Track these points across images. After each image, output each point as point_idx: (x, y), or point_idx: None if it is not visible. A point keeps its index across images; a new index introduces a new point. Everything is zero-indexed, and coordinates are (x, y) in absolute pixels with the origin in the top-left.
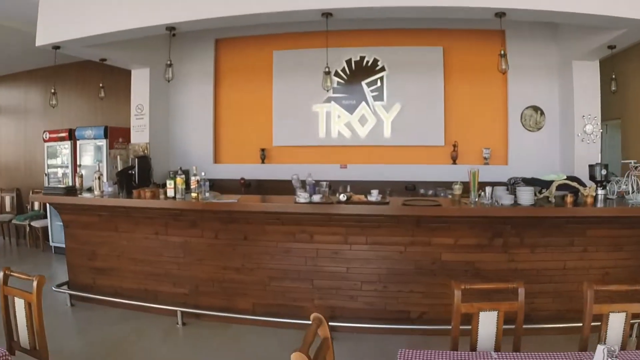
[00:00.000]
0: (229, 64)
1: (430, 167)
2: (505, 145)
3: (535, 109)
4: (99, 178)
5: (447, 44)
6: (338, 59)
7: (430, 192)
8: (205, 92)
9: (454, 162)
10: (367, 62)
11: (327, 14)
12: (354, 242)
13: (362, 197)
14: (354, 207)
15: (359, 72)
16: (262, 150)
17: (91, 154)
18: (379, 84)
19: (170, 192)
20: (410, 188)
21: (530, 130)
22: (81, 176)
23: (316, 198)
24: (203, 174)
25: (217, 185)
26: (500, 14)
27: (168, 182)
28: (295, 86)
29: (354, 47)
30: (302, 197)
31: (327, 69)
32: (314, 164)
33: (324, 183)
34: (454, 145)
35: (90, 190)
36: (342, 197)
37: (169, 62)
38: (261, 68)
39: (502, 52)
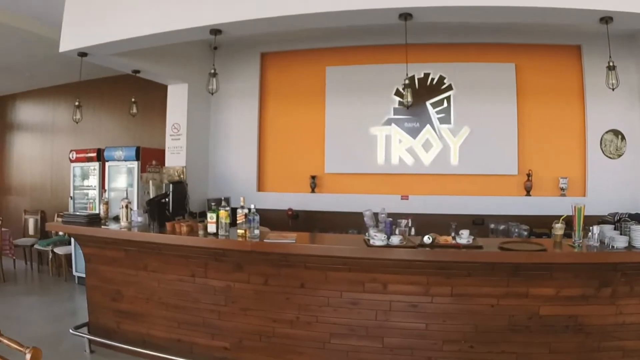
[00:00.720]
0: (276, 81)
1: (501, 199)
2: (583, 175)
3: (616, 133)
4: (127, 207)
5: (519, 61)
6: (399, 76)
7: (501, 227)
8: (250, 111)
9: (528, 194)
10: (432, 79)
11: (405, 15)
12: (437, 293)
13: (448, 239)
14: (441, 253)
15: (423, 91)
16: (313, 177)
17: (121, 177)
18: (445, 104)
19: (211, 227)
20: (478, 222)
21: (610, 158)
22: (106, 203)
23: (395, 240)
24: (253, 206)
25: (260, 217)
26: (607, 19)
27: (209, 215)
28: (351, 106)
29: (417, 63)
30: (377, 239)
31: (406, 81)
32: (371, 194)
33: (403, 221)
34: (528, 175)
35: (117, 219)
36: (427, 240)
37: (212, 71)
38: (312, 86)
39: (611, 63)
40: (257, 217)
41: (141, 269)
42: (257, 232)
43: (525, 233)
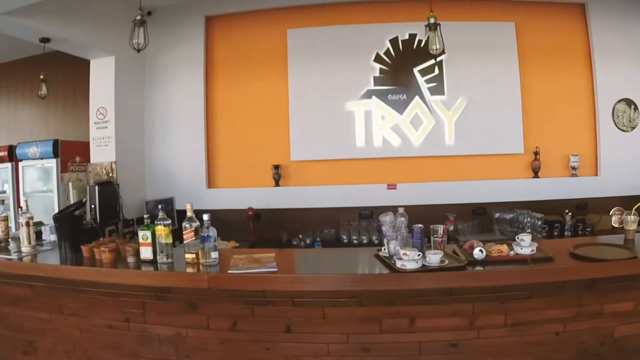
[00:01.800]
0: (226, 51)
1: (505, 183)
2: (594, 151)
3: (629, 103)
4: (28, 224)
5: (520, 20)
6: (380, 39)
7: (508, 216)
8: (194, 90)
9: (536, 175)
10: (420, 42)
11: None
12: (486, 324)
13: (503, 250)
14: (505, 274)
15: (409, 55)
16: (276, 167)
17: (41, 179)
18: (436, 71)
19: (145, 252)
20: (479, 212)
21: (623, 130)
22: (6, 219)
23: (434, 259)
24: (206, 218)
25: (213, 219)
26: None
27: (141, 234)
28: (321, 78)
29: (400, 22)
30: (409, 259)
31: (431, 20)
32: (350, 184)
33: (439, 228)
34: (536, 153)
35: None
36: (479, 254)
37: (139, 18)
38: (272, 54)
39: None
40: (214, 233)
41: (56, 312)
42: (214, 255)
43: (539, 222)
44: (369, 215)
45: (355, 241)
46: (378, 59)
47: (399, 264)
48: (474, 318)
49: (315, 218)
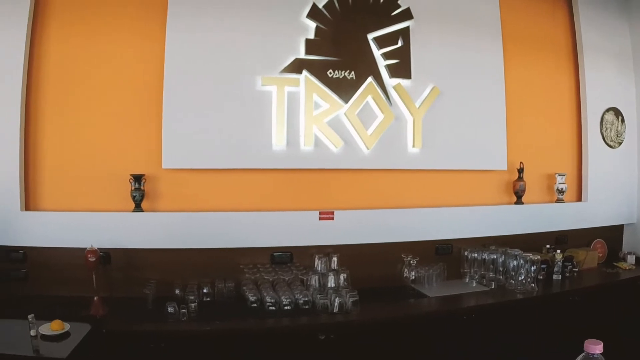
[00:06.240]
0: None
1: (480, 211)
2: (578, 169)
3: (617, 113)
4: None
5: None
6: None
7: (488, 256)
8: (9, 45)
9: (519, 201)
10: None
11: None
12: None
13: None
14: None
15: (362, 14)
16: (137, 179)
17: None
18: (400, 43)
19: None
20: (444, 251)
21: (610, 146)
22: None
23: None
24: None
25: (33, 263)
26: None
27: None
28: (220, 39)
29: None
30: None
31: None
32: (260, 210)
33: None
34: (520, 170)
35: None
36: None
37: None
38: (139, 3)
39: None
40: None
41: None
42: None
43: (534, 267)
44: (287, 260)
45: (270, 305)
46: (314, 13)
47: None
48: None
49: (203, 263)
